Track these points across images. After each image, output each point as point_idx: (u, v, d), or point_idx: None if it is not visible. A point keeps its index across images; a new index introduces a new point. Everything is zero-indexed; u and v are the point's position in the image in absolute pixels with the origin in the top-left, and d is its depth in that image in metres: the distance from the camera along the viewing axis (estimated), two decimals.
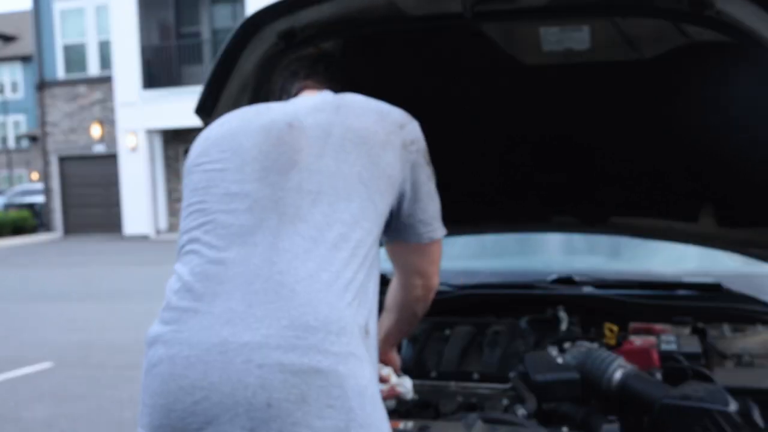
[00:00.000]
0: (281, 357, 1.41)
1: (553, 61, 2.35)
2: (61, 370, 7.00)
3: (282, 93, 1.91)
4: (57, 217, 24.47)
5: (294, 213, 1.53)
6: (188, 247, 1.59)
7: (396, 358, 2.11)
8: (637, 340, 2.23)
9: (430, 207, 1.74)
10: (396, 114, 1.71)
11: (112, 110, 23.03)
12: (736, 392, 1.84)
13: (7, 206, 26.82)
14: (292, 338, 1.42)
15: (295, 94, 1.87)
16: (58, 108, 24.12)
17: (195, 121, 1.99)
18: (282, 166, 1.58)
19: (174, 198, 22.46)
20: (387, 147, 1.63)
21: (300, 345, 1.42)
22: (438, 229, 1.77)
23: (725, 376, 2.01)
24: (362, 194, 1.57)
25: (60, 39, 24.07)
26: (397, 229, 1.74)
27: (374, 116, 1.66)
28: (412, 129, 1.71)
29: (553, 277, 2.83)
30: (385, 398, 2.00)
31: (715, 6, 1.86)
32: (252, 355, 1.41)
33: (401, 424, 1.89)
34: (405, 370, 2.26)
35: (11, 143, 42.10)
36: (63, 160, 24.28)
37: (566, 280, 2.81)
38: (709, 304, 2.53)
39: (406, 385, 2.06)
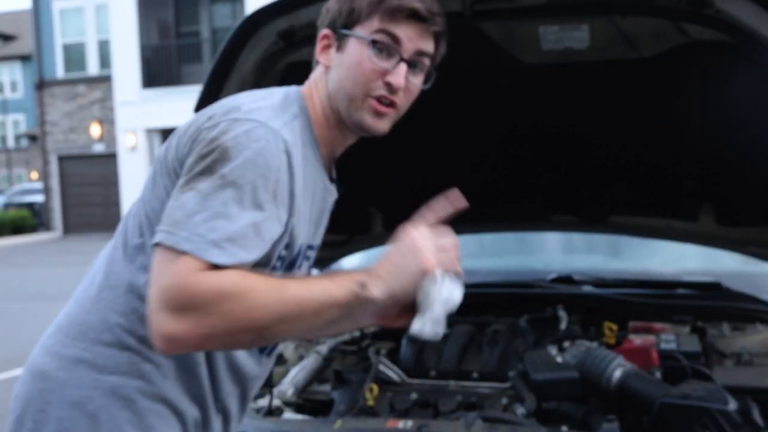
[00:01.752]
0: (35, 357, 1.44)
1: (552, 60, 2.34)
2: None
3: None
4: (56, 216, 24.46)
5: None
6: None
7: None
8: (637, 339, 2.23)
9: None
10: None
11: (111, 109, 23.02)
12: (736, 391, 1.84)
13: (7, 205, 26.81)
14: (47, 340, 1.45)
15: None
16: (58, 107, 24.10)
17: None
18: None
19: None
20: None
21: (44, 345, 1.44)
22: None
23: (725, 375, 2.01)
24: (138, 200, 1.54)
25: (59, 38, 24.06)
26: None
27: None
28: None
29: (553, 276, 2.83)
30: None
31: (714, 5, 1.86)
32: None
33: (401, 423, 1.88)
34: (405, 369, 2.26)
35: (11, 143, 42.07)
36: (62, 159, 24.27)
37: (566, 279, 2.81)
38: (708, 303, 2.53)
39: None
